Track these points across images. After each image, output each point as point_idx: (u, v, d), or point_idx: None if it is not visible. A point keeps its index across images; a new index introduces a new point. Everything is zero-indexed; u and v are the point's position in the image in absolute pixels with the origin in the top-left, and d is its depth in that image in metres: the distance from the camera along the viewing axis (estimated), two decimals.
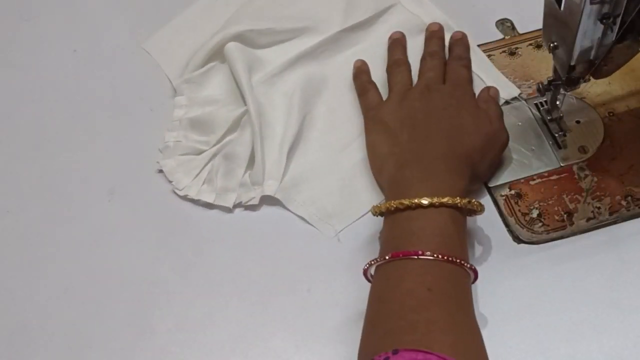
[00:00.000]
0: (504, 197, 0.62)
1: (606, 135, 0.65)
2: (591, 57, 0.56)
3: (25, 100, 0.71)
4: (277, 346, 0.56)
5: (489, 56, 0.71)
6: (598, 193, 0.62)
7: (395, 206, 0.54)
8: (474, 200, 0.55)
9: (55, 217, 0.64)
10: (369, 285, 0.54)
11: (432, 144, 0.58)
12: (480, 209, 0.55)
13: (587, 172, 0.63)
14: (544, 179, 0.63)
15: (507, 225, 0.61)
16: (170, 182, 0.64)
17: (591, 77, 0.59)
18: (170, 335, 0.57)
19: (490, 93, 0.65)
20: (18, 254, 0.62)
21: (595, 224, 0.61)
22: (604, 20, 0.53)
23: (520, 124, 0.66)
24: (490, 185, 0.63)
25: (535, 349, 0.55)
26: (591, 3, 0.51)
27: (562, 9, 0.55)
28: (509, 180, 0.63)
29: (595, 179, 0.63)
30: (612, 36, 0.54)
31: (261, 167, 0.62)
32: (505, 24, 0.73)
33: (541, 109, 0.67)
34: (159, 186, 0.64)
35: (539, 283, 0.58)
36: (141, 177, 0.65)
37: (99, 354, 0.57)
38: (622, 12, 0.52)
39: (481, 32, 0.72)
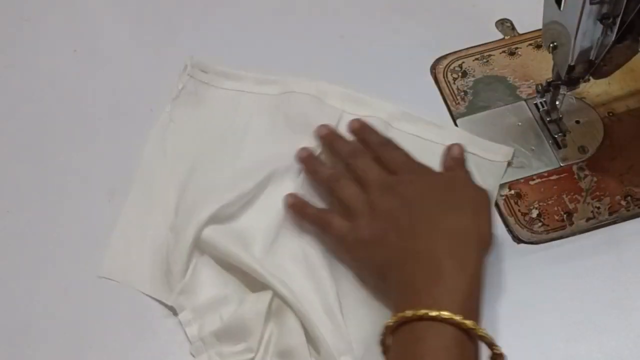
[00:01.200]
0: (503, 197, 0.62)
1: (606, 136, 0.65)
2: (591, 57, 0.56)
3: (25, 100, 0.71)
4: None
5: (488, 56, 0.71)
6: (598, 193, 0.62)
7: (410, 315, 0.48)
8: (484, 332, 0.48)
9: (55, 217, 0.64)
10: None
11: (424, 238, 0.53)
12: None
13: (586, 172, 0.63)
14: (543, 179, 0.63)
15: (506, 225, 0.61)
16: None
17: (591, 77, 0.59)
18: (170, 335, 0.57)
19: (453, 154, 0.61)
20: (18, 254, 0.62)
21: (595, 224, 0.61)
22: (604, 21, 0.53)
23: (520, 124, 0.66)
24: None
25: (536, 348, 0.55)
26: (591, 3, 0.51)
27: (562, 9, 0.55)
28: (508, 180, 0.63)
29: (595, 179, 0.63)
30: (611, 36, 0.54)
31: (328, 348, 0.53)
32: (505, 24, 0.74)
33: (541, 109, 0.67)
34: None
35: (539, 283, 0.58)
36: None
37: (99, 354, 0.57)
38: (622, 12, 0.52)
39: (481, 32, 0.73)
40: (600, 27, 0.53)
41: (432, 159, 0.61)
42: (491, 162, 0.64)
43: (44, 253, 0.62)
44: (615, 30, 0.53)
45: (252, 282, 0.58)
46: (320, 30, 0.75)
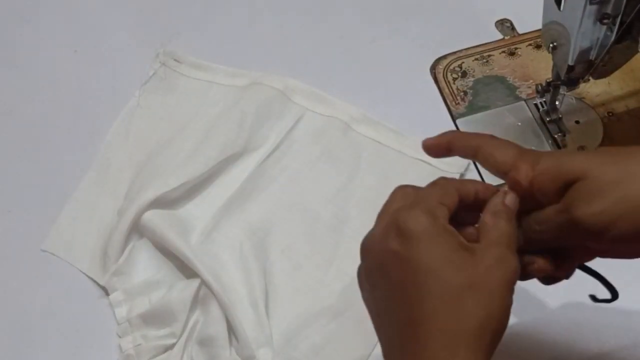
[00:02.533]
0: None
1: (605, 136, 0.65)
2: (590, 58, 0.56)
3: (25, 100, 0.71)
4: None
5: (488, 56, 0.71)
6: None
7: None
8: None
9: (56, 217, 0.63)
10: None
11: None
12: None
13: None
14: None
15: None
16: None
17: (590, 78, 0.59)
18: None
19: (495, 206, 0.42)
20: (18, 254, 0.62)
21: None
22: (604, 21, 0.53)
23: (519, 124, 0.67)
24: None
25: (536, 348, 0.55)
26: (591, 3, 0.51)
27: (561, 9, 0.55)
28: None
29: None
30: (611, 36, 0.54)
31: (246, 339, 0.54)
32: (504, 24, 0.74)
33: (540, 110, 0.67)
34: None
35: (539, 283, 0.58)
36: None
37: (99, 354, 0.57)
38: (622, 12, 0.52)
39: (481, 33, 0.73)
40: (599, 27, 0.53)
41: (387, 166, 0.63)
42: (444, 173, 0.62)
43: (43, 253, 0.62)
44: (615, 30, 0.53)
45: (185, 269, 0.58)
46: (320, 30, 0.75)
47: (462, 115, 0.68)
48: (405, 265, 0.38)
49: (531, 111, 0.67)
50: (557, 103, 0.65)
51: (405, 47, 0.73)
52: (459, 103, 0.68)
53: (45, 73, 0.73)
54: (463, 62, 0.71)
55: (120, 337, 0.57)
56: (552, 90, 0.63)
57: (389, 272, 0.39)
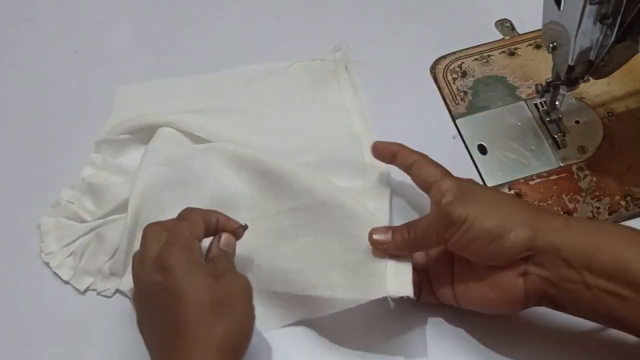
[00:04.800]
0: None
1: (605, 136, 0.65)
2: (590, 58, 0.56)
3: (26, 100, 0.71)
4: None
5: (488, 56, 0.71)
6: (597, 193, 0.62)
7: None
8: None
9: None
10: None
11: None
12: None
13: (586, 172, 0.63)
14: (543, 179, 0.63)
15: None
16: (41, 242, 0.61)
17: (590, 78, 0.59)
18: None
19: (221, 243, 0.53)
20: (18, 254, 0.62)
21: None
22: (604, 21, 0.53)
23: (519, 124, 0.67)
24: (489, 185, 0.63)
25: (536, 348, 0.55)
26: (590, 3, 0.51)
27: (561, 9, 0.55)
28: (508, 180, 0.63)
29: (595, 179, 0.63)
30: (611, 36, 0.54)
31: (122, 259, 0.58)
32: (504, 25, 0.74)
33: (540, 110, 0.67)
34: None
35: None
36: None
37: (99, 354, 0.57)
38: (622, 12, 0.52)
39: (481, 33, 0.73)
40: (599, 27, 0.53)
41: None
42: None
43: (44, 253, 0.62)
44: (615, 30, 0.53)
45: None
46: (320, 30, 0.75)
47: (462, 115, 0.68)
48: (167, 293, 0.47)
49: (531, 111, 0.67)
50: (557, 103, 0.65)
51: (405, 47, 0.73)
52: (458, 103, 0.68)
53: (45, 73, 0.73)
54: (463, 62, 0.71)
55: (69, 187, 0.63)
56: (552, 90, 0.63)
57: (155, 299, 0.48)
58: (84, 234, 0.61)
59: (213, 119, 0.66)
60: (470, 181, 0.54)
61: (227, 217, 0.54)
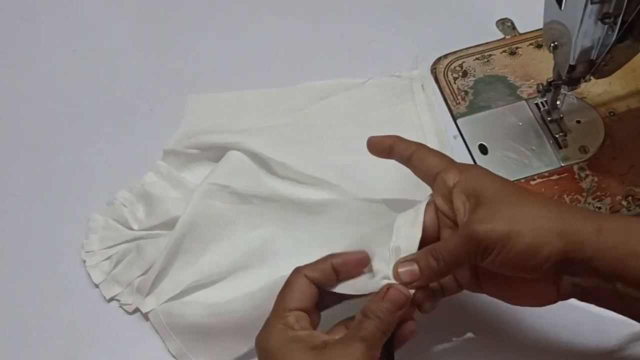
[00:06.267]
0: None
1: (607, 135, 0.65)
2: (592, 57, 0.56)
3: (25, 100, 0.71)
4: None
5: (489, 56, 0.71)
6: (599, 193, 0.62)
7: None
8: None
9: (54, 217, 0.63)
10: None
11: None
12: None
13: (587, 172, 0.63)
14: (544, 179, 0.63)
15: None
16: (85, 239, 0.61)
17: (592, 77, 0.59)
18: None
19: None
20: (17, 254, 0.62)
21: None
22: (605, 20, 0.52)
23: (520, 124, 0.66)
24: None
25: (537, 348, 0.55)
26: (592, 3, 0.51)
27: (562, 8, 0.55)
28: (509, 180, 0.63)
29: (596, 179, 0.63)
30: (612, 36, 0.53)
31: (152, 280, 0.57)
32: (505, 24, 0.73)
33: (541, 109, 0.67)
34: None
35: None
36: (141, 177, 0.65)
37: (99, 354, 0.57)
38: (623, 11, 0.52)
39: (481, 32, 0.73)
40: (601, 26, 0.53)
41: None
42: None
43: (44, 253, 0.62)
44: (616, 29, 0.53)
45: None
46: (320, 30, 0.75)
47: (463, 115, 0.67)
48: None
49: (532, 111, 0.67)
50: (558, 103, 0.65)
51: (406, 47, 0.72)
52: (459, 103, 0.68)
53: (44, 72, 0.73)
54: (464, 62, 0.71)
55: (127, 190, 0.62)
56: (553, 89, 0.63)
57: None
58: (126, 242, 0.60)
59: (284, 139, 0.64)
60: (475, 170, 0.50)
61: (342, 255, 0.48)
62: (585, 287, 0.46)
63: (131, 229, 0.61)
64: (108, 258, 0.60)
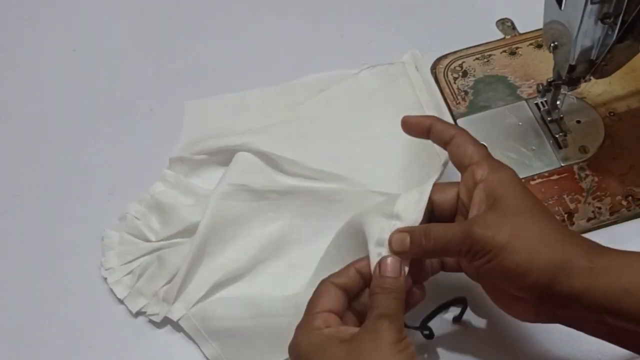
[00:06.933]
0: None
1: (607, 135, 0.65)
2: (592, 57, 0.56)
3: (25, 100, 0.71)
4: None
5: (489, 56, 0.71)
6: (599, 193, 0.62)
7: None
8: None
9: (54, 217, 0.63)
10: None
11: None
12: None
13: (587, 172, 0.63)
14: (544, 179, 0.63)
15: None
16: (102, 256, 0.60)
17: (592, 77, 0.59)
18: (171, 334, 0.57)
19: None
20: (17, 254, 0.62)
21: (596, 224, 0.61)
22: (605, 20, 0.52)
23: (520, 124, 0.66)
24: None
25: (537, 348, 0.55)
26: (592, 3, 0.51)
27: (562, 8, 0.55)
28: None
29: (596, 179, 0.63)
30: (612, 36, 0.53)
31: (177, 287, 0.57)
32: (505, 24, 0.73)
33: (541, 109, 0.67)
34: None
35: None
36: (141, 177, 0.65)
37: (99, 354, 0.57)
38: (623, 11, 0.52)
39: (481, 32, 0.73)
40: (601, 26, 0.53)
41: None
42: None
43: (43, 253, 0.62)
44: (617, 29, 0.53)
45: None
46: (320, 30, 0.75)
47: (463, 115, 0.67)
48: None
49: (532, 111, 0.67)
50: (558, 103, 0.64)
51: (406, 47, 0.72)
52: (459, 103, 0.68)
53: (44, 72, 0.73)
54: (464, 62, 0.71)
55: (137, 202, 0.62)
56: (553, 89, 0.63)
57: None
58: (146, 254, 0.60)
59: (289, 135, 0.64)
60: (504, 173, 0.49)
61: (364, 259, 0.49)
62: (570, 318, 0.46)
63: (148, 240, 0.60)
64: (129, 273, 0.59)
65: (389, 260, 0.47)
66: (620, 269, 0.44)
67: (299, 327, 0.47)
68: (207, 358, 0.56)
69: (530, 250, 0.44)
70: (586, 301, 0.44)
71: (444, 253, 0.48)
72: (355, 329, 0.46)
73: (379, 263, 0.47)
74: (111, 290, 0.59)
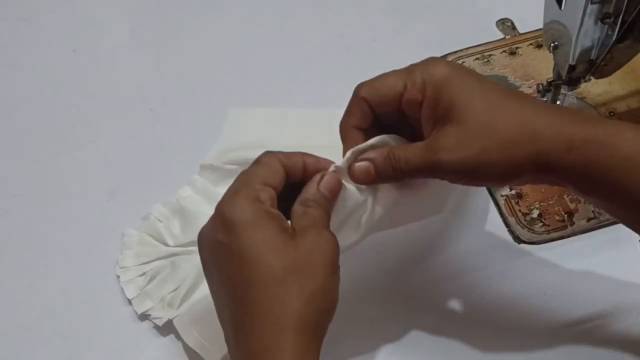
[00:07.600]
0: (504, 197, 0.62)
1: None
2: (592, 57, 0.56)
3: (25, 100, 0.71)
4: None
5: (489, 56, 0.71)
6: None
7: None
8: None
9: (54, 217, 0.63)
10: None
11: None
12: None
13: None
14: None
15: (507, 225, 0.61)
16: (120, 254, 0.60)
17: (592, 77, 0.59)
18: (174, 342, 0.57)
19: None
20: (17, 254, 0.62)
21: (595, 224, 0.61)
22: (605, 20, 0.52)
23: None
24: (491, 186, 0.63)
25: (537, 348, 0.55)
26: (592, 3, 0.51)
27: (562, 8, 0.55)
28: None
29: None
30: (612, 36, 0.53)
31: (183, 294, 0.57)
32: (505, 24, 0.73)
33: None
34: (159, 186, 0.64)
35: (540, 283, 0.58)
36: (141, 177, 0.65)
37: (99, 354, 0.57)
38: (623, 11, 0.52)
39: (481, 32, 0.73)
40: (601, 26, 0.53)
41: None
42: None
43: (43, 253, 0.62)
44: (617, 30, 0.53)
45: None
46: (320, 30, 0.75)
47: None
48: (231, 256, 0.39)
49: None
50: (558, 102, 0.64)
51: (406, 47, 0.73)
52: None
53: (44, 72, 0.73)
54: (464, 62, 0.71)
55: (161, 204, 0.61)
56: (553, 89, 0.63)
57: (219, 264, 0.40)
58: (162, 258, 0.59)
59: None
60: (444, 68, 0.43)
61: (317, 157, 0.44)
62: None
63: (166, 244, 0.60)
64: (143, 274, 0.59)
65: (332, 177, 0.43)
66: (598, 145, 0.40)
67: (239, 192, 0.40)
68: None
69: (504, 158, 0.40)
70: (571, 181, 0.41)
71: (413, 179, 0.44)
72: (288, 224, 0.41)
73: (323, 177, 0.43)
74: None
